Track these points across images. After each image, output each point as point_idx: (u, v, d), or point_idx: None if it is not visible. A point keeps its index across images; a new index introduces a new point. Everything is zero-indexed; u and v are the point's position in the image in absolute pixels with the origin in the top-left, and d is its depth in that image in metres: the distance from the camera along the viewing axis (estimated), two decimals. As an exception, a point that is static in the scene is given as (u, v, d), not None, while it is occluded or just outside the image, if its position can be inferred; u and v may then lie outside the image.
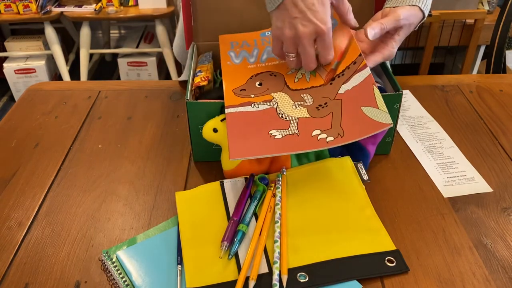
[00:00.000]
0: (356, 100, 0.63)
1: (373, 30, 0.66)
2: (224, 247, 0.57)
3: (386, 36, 0.70)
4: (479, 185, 0.70)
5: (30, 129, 0.84)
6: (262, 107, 0.67)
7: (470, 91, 0.95)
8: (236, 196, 0.65)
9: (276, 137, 0.62)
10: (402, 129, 0.83)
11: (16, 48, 2.38)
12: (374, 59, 0.69)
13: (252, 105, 0.67)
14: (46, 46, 2.36)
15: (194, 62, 0.80)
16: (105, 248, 0.60)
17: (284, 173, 0.67)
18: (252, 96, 0.69)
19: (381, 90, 0.75)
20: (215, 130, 0.66)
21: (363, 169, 0.68)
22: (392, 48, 0.69)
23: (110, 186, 0.71)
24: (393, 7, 0.70)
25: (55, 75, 2.51)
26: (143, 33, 2.65)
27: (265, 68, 0.74)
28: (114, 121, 0.86)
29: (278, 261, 0.55)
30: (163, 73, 2.59)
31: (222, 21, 0.83)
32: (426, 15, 0.72)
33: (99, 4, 2.22)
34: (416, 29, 0.72)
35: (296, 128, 0.63)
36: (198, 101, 0.68)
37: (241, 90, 0.70)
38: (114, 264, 0.57)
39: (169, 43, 2.34)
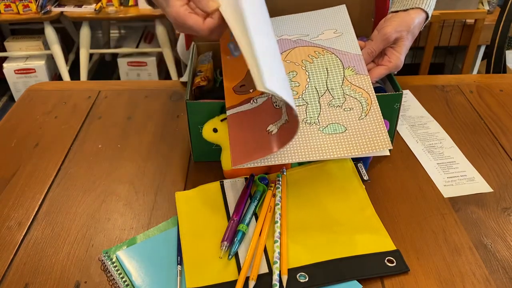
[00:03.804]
0: None
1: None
2: (224, 247, 0.57)
3: (387, 49, 0.70)
4: (479, 185, 0.70)
5: (30, 129, 0.84)
6: (260, 100, 0.67)
7: (470, 91, 0.95)
8: (236, 196, 0.65)
9: (273, 132, 0.63)
10: (402, 129, 0.83)
11: (16, 48, 2.38)
12: (379, 72, 0.69)
13: (252, 101, 0.67)
14: (46, 46, 2.36)
15: (194, 62, 0.79)
16: (105, 248, 0.60)
17: (284, 173, 0.67)
18: (251, 90, 0.69)
19: (381, 90, 0.75)
20: (215, 130, 0.66)
21: (363, 169, 0.68)
22: (396, 60, 0.69)
23: (110, 186, 0.71)
24: (396, 11, 0.71)
25: (55, 75, 2.50)
26: (143, 33, 2.65)
27: None
28: (114, 121, 0.86)
29: (278, 261, 0.55)
30: (163, 73, 2.59)
31: None
32: (430, 15, 0.72)
33: (99, 4, 2.22)
34: (421, 29, 0.72)
35: (285, 114, 0.64)
36: (198, 101, 0.68)
37: (241, 86, 0.70)
38: (114, 264, 0.57)
39: (169, 43, 2.34)
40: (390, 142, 0.61)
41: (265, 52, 0.58)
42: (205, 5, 0.59)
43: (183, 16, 0.59)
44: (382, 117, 0.63)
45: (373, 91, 0.66)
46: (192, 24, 0.59)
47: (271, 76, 0.54)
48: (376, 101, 0.65)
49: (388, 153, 0.60)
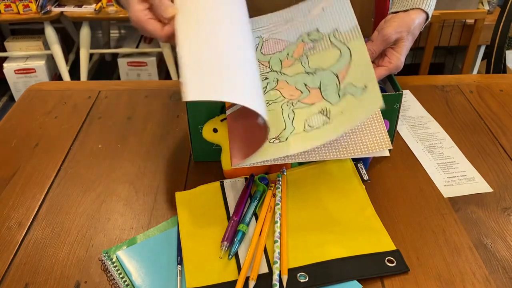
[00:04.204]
0: None
1: None
2: (224, 247, 0.57)
3: (387, 50, 0.70)
4: (479, 185, 0.70)
5: (30, 129, 0.84)
6: None
7: (470, 91, 0.95)
8: (236, 196, 0.65)
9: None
10: (402, 129, 0.83)
11: (16, 48, 2.37)
12: (380, 73, 0.69)
13: None
14: (46, 46, 2.36)
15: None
16: (105, 248, 0.60)
17: (284, 173, 0.67)
18: None
19: (381, 90, 0.75)
20: (215, 130, 0.67)
21: (363, 169, 0.68)
22: (396, 61, 0.69)
23: (110, 186, 0.71)
24: (396, 12, 0.71)
25: (55, 75, 2.50)
26: (143, 33, 2.64)
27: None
28: (114, 121, 0.86)
29: (278, 261, 0.55)
30: (163, 73, 2.59)
31: None
32: (430, 16, 0.72)
33: (99, 4, 2.22)
34: (421, 29, 0.72)
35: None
36: (198, 101, 0.67)
37: None
38: (114, 264, 0.57)
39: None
40: (390, 142, 0.61)
41: (201, 58, 0.57)
42: (163, 11, 0.60)
43: (142, 22, 0.60)
44: (382, 117, 0.63)
45: None
46: (150, 29, 0.60)
47: (199, 83, 0.54)
48: None
49: (388, 154, 0.60)
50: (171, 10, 0.60)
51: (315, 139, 0.59)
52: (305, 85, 0.65)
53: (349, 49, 0.65)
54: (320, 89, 0.64)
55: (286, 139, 0.60)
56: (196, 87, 0.53)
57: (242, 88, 0.56)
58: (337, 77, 0.63)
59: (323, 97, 0.63)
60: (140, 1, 0.60)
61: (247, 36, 0.64)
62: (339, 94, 0.62)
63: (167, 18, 0.60)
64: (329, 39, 0.68)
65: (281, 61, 0.69)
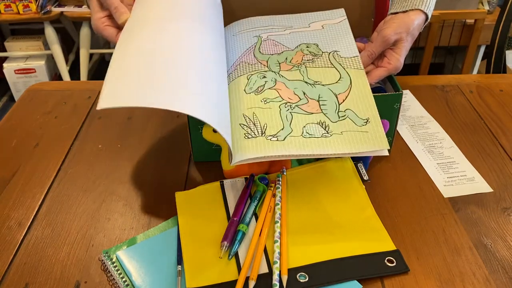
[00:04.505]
0: None
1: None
2: (224, 247, 0.57)
3: (387, 51, 0.70)
4: (479, 185, 0.70)
5: (30, 129, 0.84)
6: None
7: (470, 91, 0.95)
8: (236, 196, 0.65)
9: None
10: (402, 129, 0.83)
11: (16, 48, 2.37)
12: (379, 74, 0.69)
13: None
14: (46, 46, 2.36)
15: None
16: (105, 248, 0.60)
17: (284, 173, 0.67)
18: None
19: (381, 90, 0.75)
20: (215, 130, 0.66)
21: (363, 169, 0.68)
22: (396, 62, 0.69)
23: (110, 186, 0.71)
24: (395, 13, 0.71)
25: (55, 75, 2.50)
26: (143, 33, 2.64)
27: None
28: (114, 121, 0.86)
29: (278, 261, 0.55)
30: (163, 73, 2.59)
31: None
32: (430, 16, 0.72)
33: (99, 4, 2.21)
34: (421, 30, 0.72)
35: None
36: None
37: None
38: (114, 264, 0.57)
39: (169, 43, 2.33)
40: (387, 142, 0.61)
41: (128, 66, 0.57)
42: (118, 17, 0.63)
43: (100, 29, 0.65)
44: (379, 117, 0.63)
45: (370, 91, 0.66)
46: (106, 36, 0.65)
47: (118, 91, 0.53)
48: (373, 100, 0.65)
49: (387, 153, 0.60)
50: (124, 17, 0.63)
51: (313, 147, 0.60)
52: (304, 93, 0.65)
53: (349, 76, 0.67)
54: (318, 101, 0.65)
55: (284, 139, 0.60)
56: (110, 95, 0.53)
57: (171, 93, 0.55)
58: (336, 97, 0.65)
59: (322, 111, 0.64)
60: (100, 9, 0.65)
61: (206, 43, 0.64)
62: (338, 115, 0.63)
63: (119, 23, 0.63)
64: (329, 59, 0.70)
65: (279, 63, 0.70)
